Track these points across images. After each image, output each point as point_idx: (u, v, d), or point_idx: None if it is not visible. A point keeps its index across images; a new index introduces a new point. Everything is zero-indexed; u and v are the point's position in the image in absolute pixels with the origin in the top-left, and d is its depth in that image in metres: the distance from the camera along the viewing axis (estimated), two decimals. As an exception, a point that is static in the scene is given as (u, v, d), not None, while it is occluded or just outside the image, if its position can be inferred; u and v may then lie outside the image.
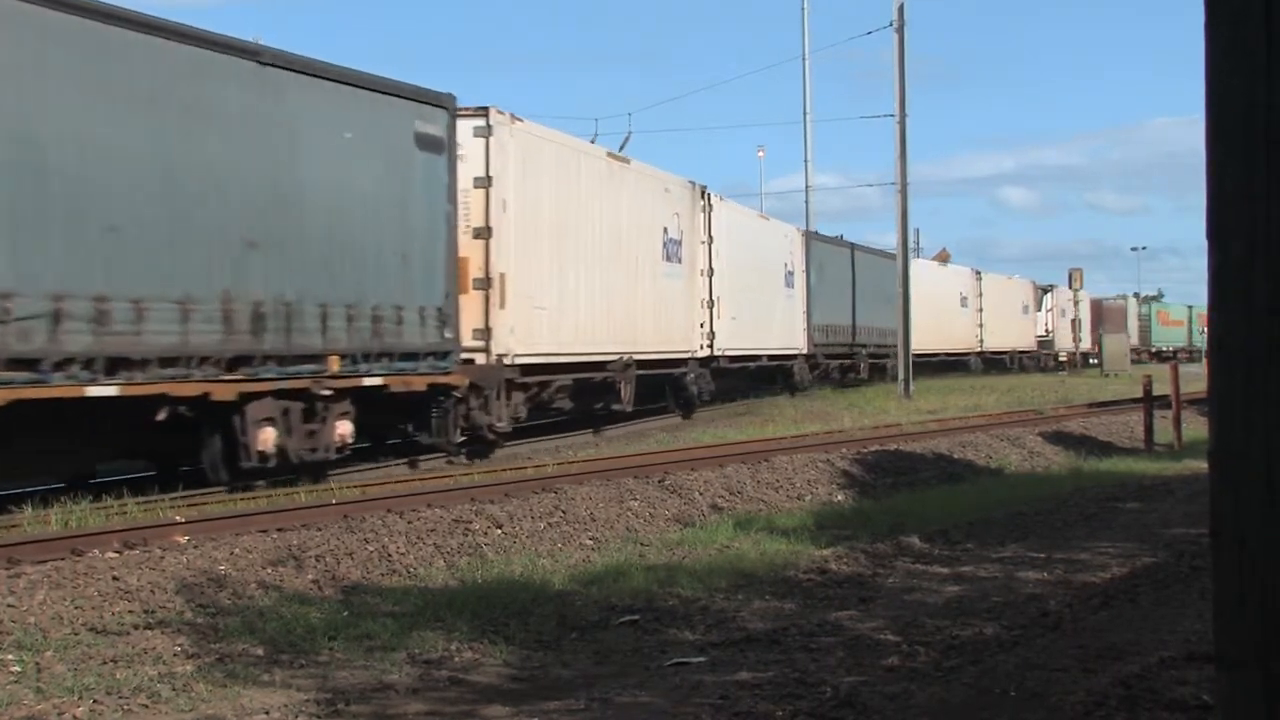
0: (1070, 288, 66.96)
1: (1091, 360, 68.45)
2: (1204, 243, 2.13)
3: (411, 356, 16.23)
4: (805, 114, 45.88)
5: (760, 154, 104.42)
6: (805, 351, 35.04)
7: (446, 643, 7.24)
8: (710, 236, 28.04)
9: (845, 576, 9.35)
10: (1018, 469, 18.23)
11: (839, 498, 14.88)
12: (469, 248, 18.02)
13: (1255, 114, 2.04)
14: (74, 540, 9.53)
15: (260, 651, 7.03)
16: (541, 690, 6.34)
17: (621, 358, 22.77)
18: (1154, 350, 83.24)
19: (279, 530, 10.23)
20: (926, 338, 42.91)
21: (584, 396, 22.78)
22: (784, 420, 25.69)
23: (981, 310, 53.19)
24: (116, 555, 9.07)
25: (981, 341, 53.28)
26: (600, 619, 7.89)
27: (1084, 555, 10.12)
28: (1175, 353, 79.29)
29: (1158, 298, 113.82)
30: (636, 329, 23.68)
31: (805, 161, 46.50)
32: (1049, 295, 64.90)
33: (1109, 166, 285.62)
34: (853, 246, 40.58)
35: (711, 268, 28.02)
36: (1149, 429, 21.33)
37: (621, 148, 28.88)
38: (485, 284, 18.27)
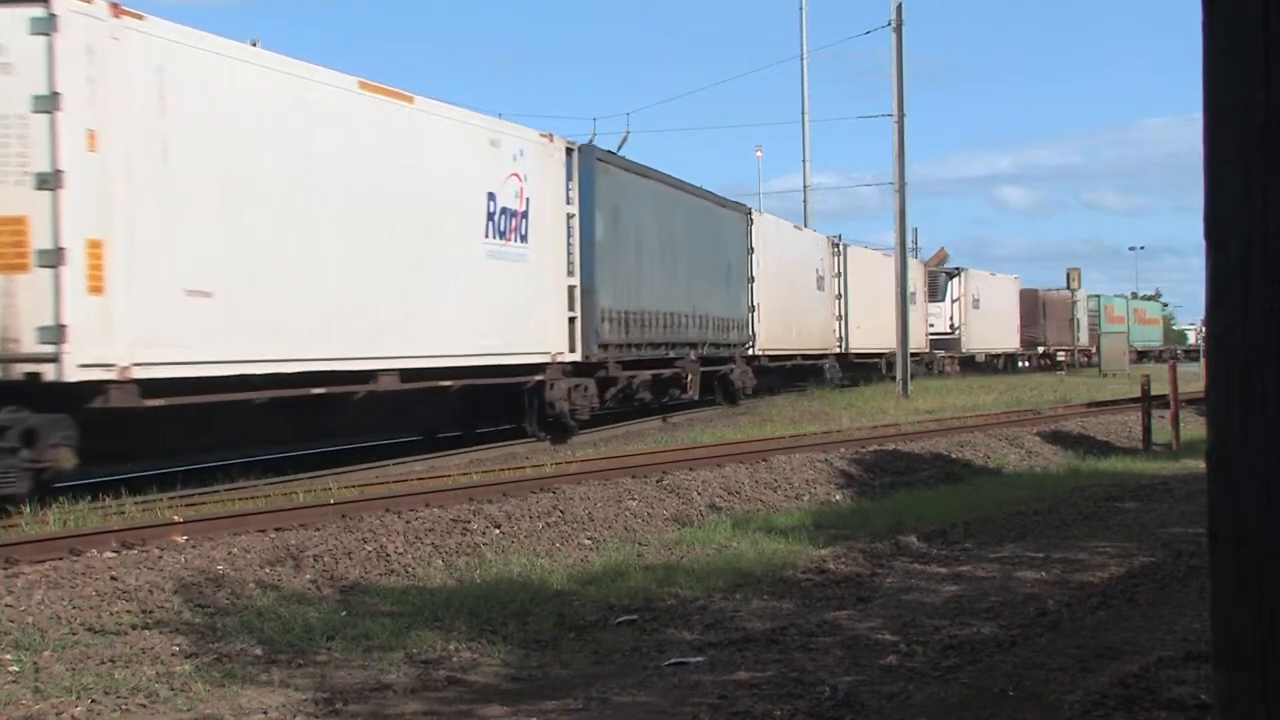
0: (1069, 287, 66.29)
1: (1021, 364, 60.52)
2: (1202, 242, 2.14)
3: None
4: (803, 114, 45.91)
5: (758, 154, 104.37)
6: (577, 359, 20.79)
7: (445, 642, 7.24)
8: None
9: (843, 576, 9.35)
10: (1016, 468, 18.24)
11: (837, 497, 14.88)
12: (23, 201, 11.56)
13: (1253, 113, 2.04)
14: (72, 540, 9.53)
15: (258, 651, 7.03)
16: (540, 690, 6.34)
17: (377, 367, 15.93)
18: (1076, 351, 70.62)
19: (277, 530, 10.23)
20: (773, 331, 32.05)
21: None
22: (781, 421, 25.71)
23: (842, 296, 38.81)
24: (114, 555, 9.07)
25: (843, 340, 38.86)
26: (598, 619, 7.89)
27: (1082, 555, 10.13)
28: (1072, 356, 68.86)
29: (1155, 297, 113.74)
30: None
31: (804, 161, 46.58)
32: (954, 281, 51.82)
33: (1107, 166, 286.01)
34: (672, 184, 26.19)
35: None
36: (1147, 429, 21.34)
37: (620, 147, 28.90)
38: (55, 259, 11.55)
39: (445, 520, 11.02)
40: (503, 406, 20.12)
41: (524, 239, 19.17)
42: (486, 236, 18.14)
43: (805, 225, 41.38)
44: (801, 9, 45.42)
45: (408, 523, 10.77)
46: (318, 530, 10.24)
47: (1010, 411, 27.14)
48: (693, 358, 26.35)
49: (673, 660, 6.76)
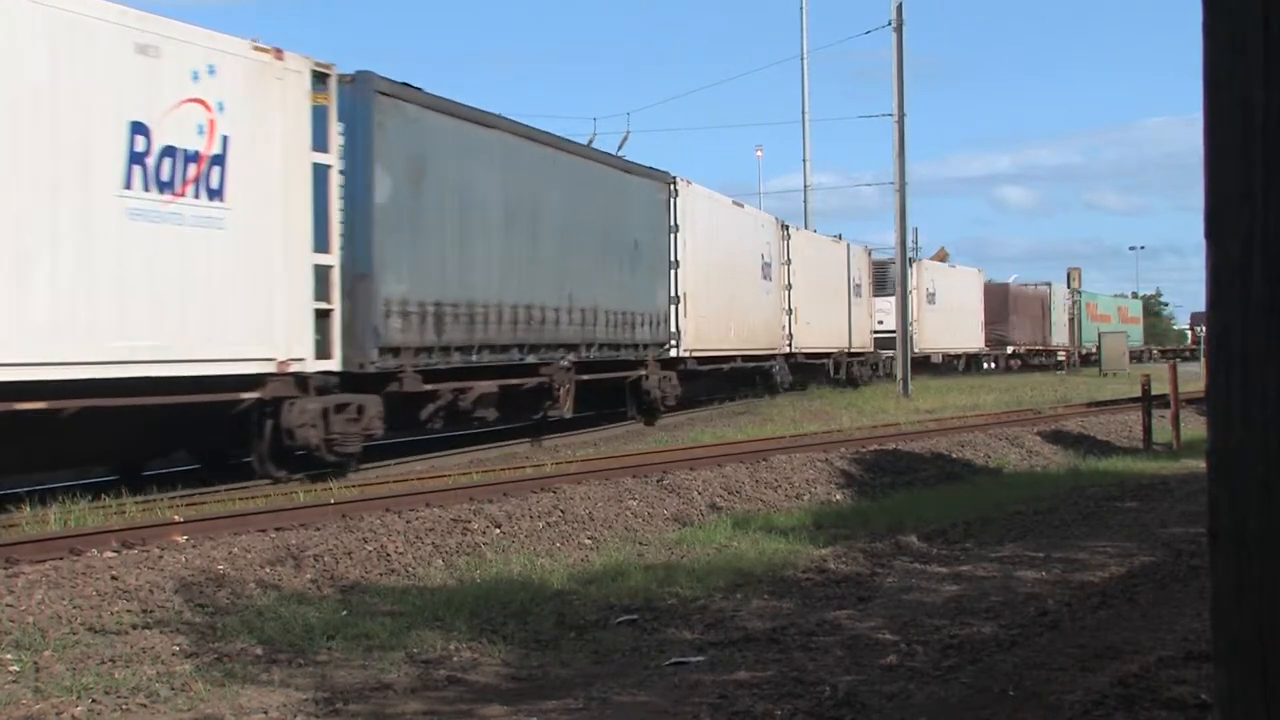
0: (1069, 286, 65.75)
1: (988, 365, 55.94)
2: (1202, 242, 2.14)
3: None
4: (804, 114, 45.87)
5: (759, 154, 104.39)
6: (332, 367, 15.11)
7: (445, 642, 7.24)
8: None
9: (844, 576, 9.35)
10: (1016, 468, 18.23)
11: (837, 497, 14.88)
12: None
13: (1253, 113, 2.04)
14: (72, 540, 9.53)
15: (259, 651, 7.03)
16: (540, 689, 6.34)
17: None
18: (1084, 352, 67.10)
19: (277, 530, 10.23)
20: (705, 328, 27.21)
21: None
22: (781, 420, 25.70)
23: (791, 287, 33.87)
24: (115, 555, 9.07)
25: (791, 338, 33.92)
26: (599, 618, 7.89)
27: (1082, 554, 10.13)
28: (1071, 356, 65.67)
29: (1155, 296, 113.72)
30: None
31: (804, 161, 46.53)
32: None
33: (1107, 166, 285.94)
34: (537, 138, 20.60)
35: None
36: (1147, 428, 21.33)
37: (620, 147, 28.37)
38: None
39: (445, 520, 11.02)
40: (194, 438, 14.92)
41: (216, 195, 13.32)
42: (128, 188, 12.33)
43: (806, 225, 41.26)
44: (801, 9, 45.45)
45: (408, 522, 10.77)
46: (318, 530, 10.24)
47: (1010, 411, 27.14)
48: (566, 363, 20.61)
49: (673, 660, 6.76)
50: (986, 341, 55.04)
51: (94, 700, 6.08)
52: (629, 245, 23.45)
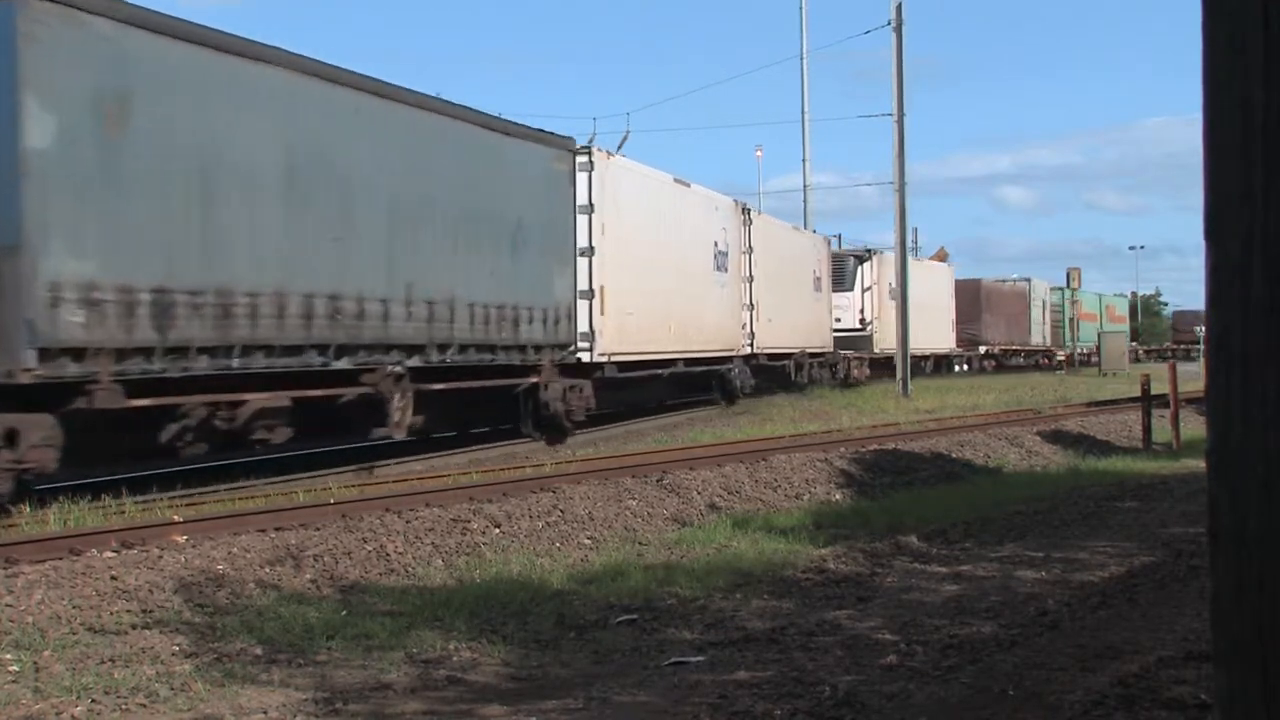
0: (1069, 286, 65.34)
1: (959, 367, 52.14)
2: (1203, 242, 2.14)
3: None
4: (803, 113, 45.85)
5: (758, 153, 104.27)
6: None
7: (445, 642, 7.24)
8: None
9: (843, 576, 9.35)
10: (1016, 468, 18.24)
11: (837, 497, 14.88)
12: None
13: (1253, 113, 2.04)
14: (72, 540, 9.54)
15: (258, 651, 7.03)
16: (540, 689, 6.34)
17: None
18: (1068, 351, 63.83)
19: (277, 530, 10.23)
20: (633, 326, 22.53)
21: None
22: (781, 420, 25.71)
23: (753, 279, 30.05)
24: (114, 555, 9.07)
25: (753, 337, 29.96)
26: (598, 618, 7.89)
27: (1082, 554, 10.13)
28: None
29: (1155, 296, 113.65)
30: None
31: (804, 161, 46.52)
32: (865, 267, 41.82)
33: (1107, 166, 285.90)
34: (358, 85, 15.91)
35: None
36: (1147, 428, 21.33)
37: (620, 148, 27.38)
38: None
39: (445, 520, 11.02)
40: None
41: None
42: None
43: (806, 225, 41.18)
44: (801, 9, 45.42)
45: (408, 522, 10.77)
46: (318, 530, 10.24)
47: (1010, 411, 27.15)
48: (399, 369, 16.02)
49: (673, 660, 6.76)
50: (958, 341, 51.33)
51: (94, 700, 6.08)
52: (508, 225, 18.68)
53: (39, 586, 8.07)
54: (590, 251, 21.11)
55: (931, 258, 56.23)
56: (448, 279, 17.11)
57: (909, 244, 38.74)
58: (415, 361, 16.40)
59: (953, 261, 57.35)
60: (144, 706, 6.05)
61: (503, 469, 16.02)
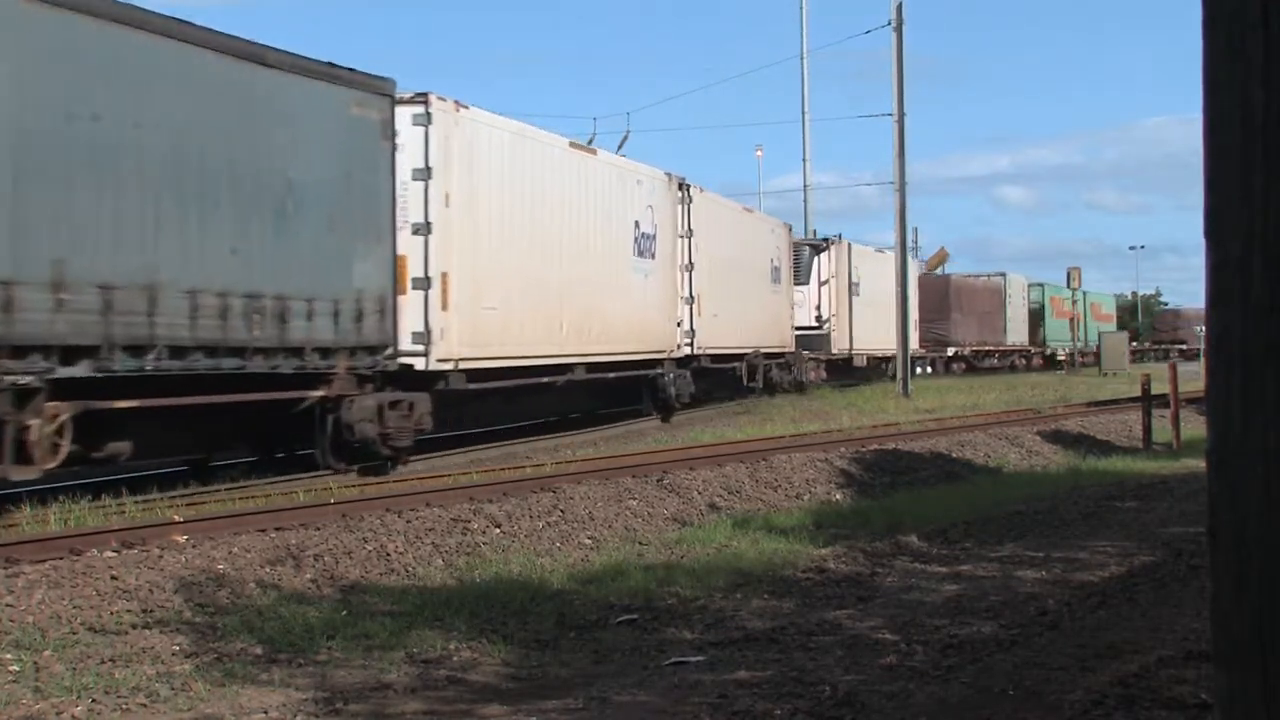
0: (1069, 286, 65.04)
1: (921, 368, 44.78)
2: (1203, 242, 2.14)
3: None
4: (803, 113, 45.80)
5: (758, 153, 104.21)
6: None
7: (445, 642, 7.24)
8: None
9: (843, 575, 9.36)
10: (1016, 468, 18.24)
11: (837, 497, 14.89)
12: None
13: (1253, 113, 2.04)
14: (72, 540, 9.54)
15: (259, 651, 7.03)
16: (540, 689, 6.34)
17: None
18: (1049, 352, 61.78)
19: (277, 529, 10.23)
20: (495, 327, 18.21)
21: None
22: (781, 420, 25.70)
23: (693, 268, 26.13)
24: (115, 554, 9.07)
25: (693, 335, 26.06)
26: (599, 618, 7.89)
27: (1082, 554, 10.13)
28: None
29: (1155, 296, 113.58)
30: None
31: (804, 161, 46.46)
32: (822, 258, 36.78)
33: (1107, 166, 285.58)
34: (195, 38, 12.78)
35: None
36: (1147, 428, 21.33)
37: (620, 148, 26.42)
38: None
39: (445, 520, 11.03)
40: None
41: None
42: None
43: (806, 225, 41.03)
44: (801, 9, 45.39)
45: (408, 522, 10.77)
46: (318, 530, 10.24)
47: (1010, 411, 27.16)
48: (27, 380, 10.95)
49: (673, 660, 6.76)
50: (922, 341, 45.69)
51: (94, 700, 6.08)
52: (270, 186, 13.88)
53: (39, 586, 8.07)
54: (427, 228, 16.55)
55: (932, 258, 56.17)
56: (143, 256, 12.21)
57: (909, 244, 38.66)
58: (78, 370, 11.54)
59: (954, 261, 56.99)
60: (144, 706, 6.05)
61: (503, 469, 16.03)
